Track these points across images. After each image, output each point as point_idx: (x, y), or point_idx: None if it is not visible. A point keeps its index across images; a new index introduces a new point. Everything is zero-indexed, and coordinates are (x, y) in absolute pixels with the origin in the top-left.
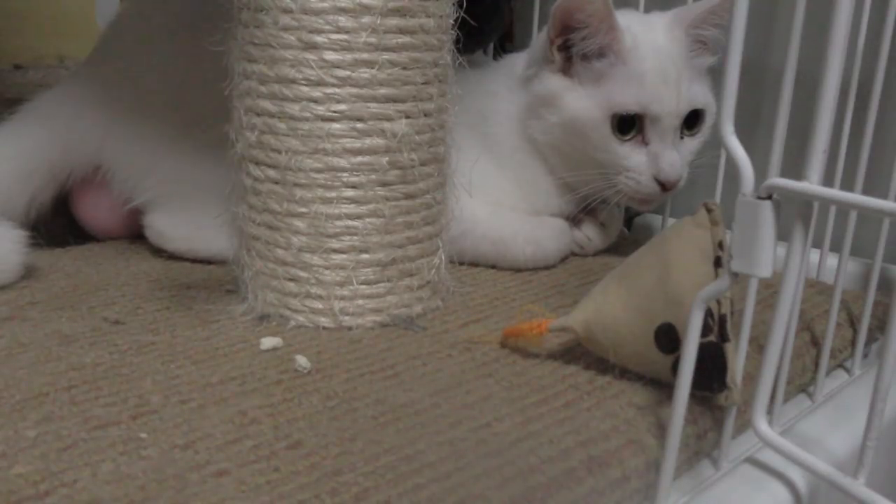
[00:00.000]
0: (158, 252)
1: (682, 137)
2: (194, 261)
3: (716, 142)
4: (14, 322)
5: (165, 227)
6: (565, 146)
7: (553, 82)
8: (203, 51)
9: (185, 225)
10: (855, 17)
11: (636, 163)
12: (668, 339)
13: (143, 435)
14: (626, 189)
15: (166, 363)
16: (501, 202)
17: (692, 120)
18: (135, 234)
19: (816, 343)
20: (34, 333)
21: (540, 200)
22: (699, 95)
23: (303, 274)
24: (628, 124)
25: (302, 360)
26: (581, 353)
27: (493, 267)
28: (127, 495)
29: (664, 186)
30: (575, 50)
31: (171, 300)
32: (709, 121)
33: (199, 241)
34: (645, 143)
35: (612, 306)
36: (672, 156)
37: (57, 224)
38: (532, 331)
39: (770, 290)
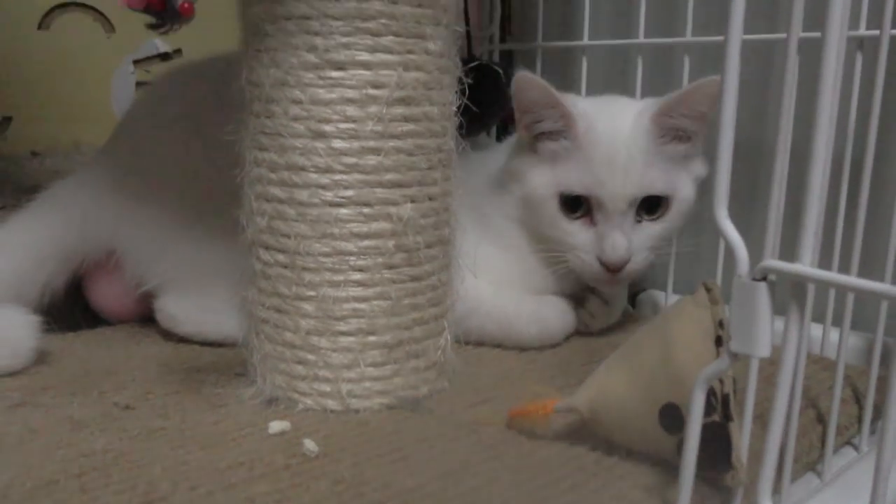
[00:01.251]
0: (168, 335)
1: (639, 221)
2: (204, 344)
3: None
4: (26, 408)
5: (176, 310)
6: (527, 220)
7: (522, 158)
8: (214, 139)
9: (195, 308)
10: (845, 97)
11: (581, 241)
12: (673, 419)
13: None
14: (574, 267)
15: (175, 448)
16: (503, 282)
17: (654, 205)
18: (146, 317)
19: (822, 420)
20: (46, 419)
21: (534, 280)
22: (657, 183)
23: (311, 357)
24: (576, 204)
25: (310, 444)
26: (587, 434)
27: (499, 346)
28: None
29: (608, 267)
30: (535, 129)
31: (181, 384)
32: (677, 207)
33: (208, 325)
34: (593, 223)
35: (616, 386)
36: (616, 238)
37: (69, 307)
38: (538, 412)
39: (774, 366)
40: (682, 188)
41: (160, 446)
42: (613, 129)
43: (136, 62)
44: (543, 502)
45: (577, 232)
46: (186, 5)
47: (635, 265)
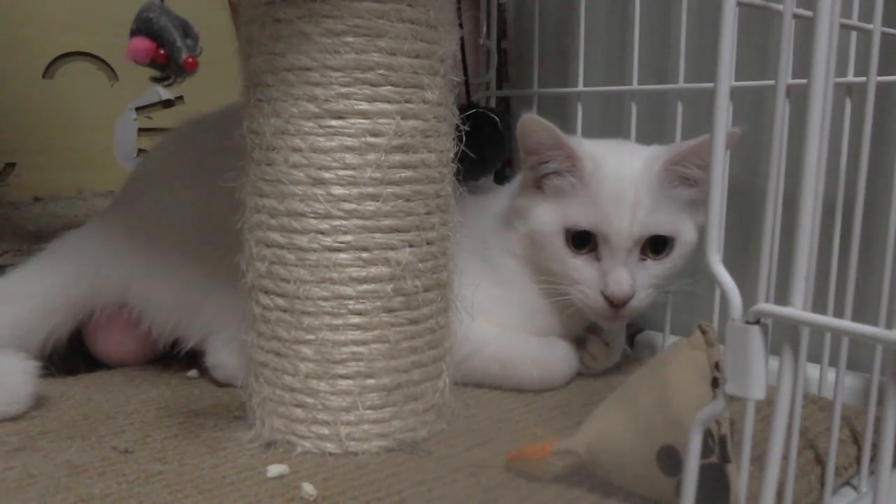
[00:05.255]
0: (166, 379)
1: (643, 260)
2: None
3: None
4: (25, 453)
5: (234, 367)
6: (532, 256)
7: (527, 196)
8: (225, 189)
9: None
10: (836, 142)
11: (586, 276)
12: (671, 460)
13: None
14: (577, 301)
15: (174, 493)
16: (507, 324)
17: (659, 245)
18: (145, 361)
19: (821, 461)
20: (44, 464)
21: (538, 320)
22: (664, 223)
23: (309, 400)
24: (582, 240)
25: (308, 488)
26: (586, 476)
27: (498, 387)
28: None
29: (612, 302)
30: (542, 169)
31: (180, 427)
32: (680, 249)
33: None
34: (598, 259)
35: (614, 429)
36: (620, 273)
37: (68, 351)
38: (536, 454)
39: (772, 407)
40: (686, 231)
41: (159, 491)
42: (621, 170)
43: (138, 109)
44: None
45: (581, 267)
46: (191, 60)
47: (638, 302)
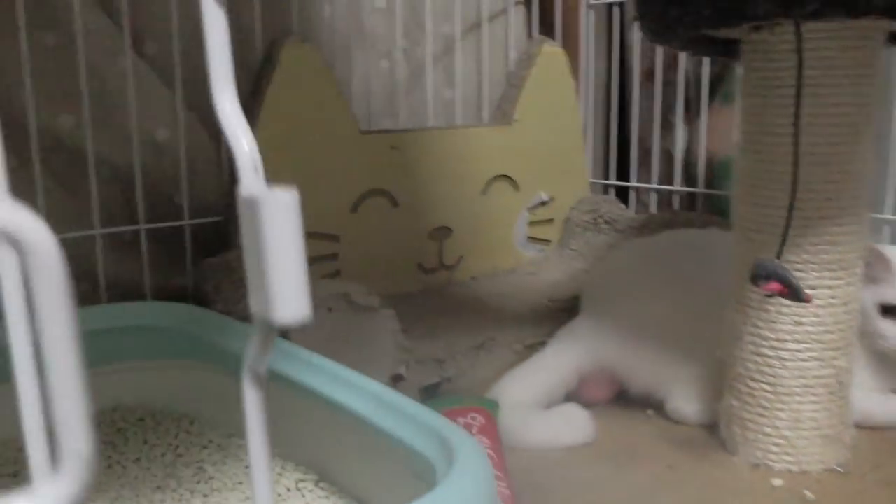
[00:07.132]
0: (633, 415)
1: None
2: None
3: None
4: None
5: (689, 411)
6: (862, 323)
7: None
8: (697, 295)
9: (700, 405)
10: None
11: (888, 332)
12: None
13: None
14: (884, 348)
15: (702, 493)
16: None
17: None
18: (608, 401)
19: None
20: (633, 474)
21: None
22: None
23: (781, 442)
24: (889, 310)
25: (809, 494)
26: None
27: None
28: None
29: None
30: (870, 273)
31: (679, 448)
32: None
33: (704, 414)
34: None
35: None
36: None
37: None
38: None
39: None
40: None
41: (689, 495)
42: None
43: (528, 209)
44: None
45: (887, 327)
46: (807, 296)
47: None
